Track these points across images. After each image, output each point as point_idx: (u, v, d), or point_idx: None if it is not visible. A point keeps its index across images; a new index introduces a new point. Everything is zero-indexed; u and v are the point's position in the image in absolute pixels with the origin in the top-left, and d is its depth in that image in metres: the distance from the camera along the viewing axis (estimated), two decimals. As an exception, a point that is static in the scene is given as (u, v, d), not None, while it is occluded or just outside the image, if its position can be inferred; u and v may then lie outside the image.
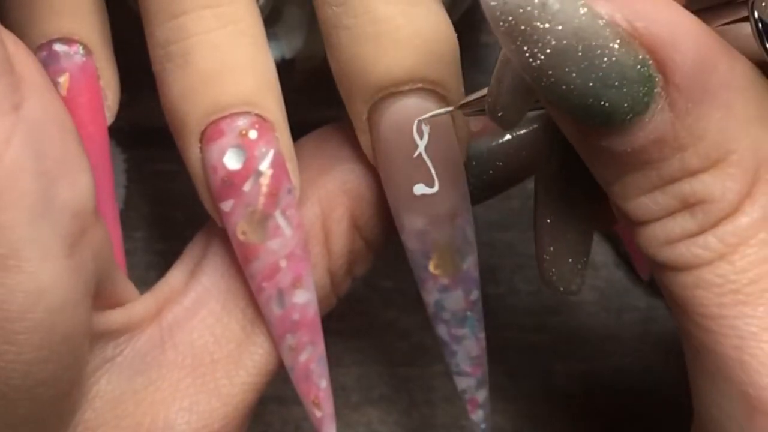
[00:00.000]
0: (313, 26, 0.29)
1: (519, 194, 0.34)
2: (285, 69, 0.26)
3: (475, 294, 0.25)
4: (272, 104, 0.23)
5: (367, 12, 0.23)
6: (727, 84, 0.19)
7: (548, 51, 0.18)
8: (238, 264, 0.24)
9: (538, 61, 0.18)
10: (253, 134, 0.23)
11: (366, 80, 0.23)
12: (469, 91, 0.24)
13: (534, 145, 0.25)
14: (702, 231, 0.20)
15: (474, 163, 0.25)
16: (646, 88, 0.19)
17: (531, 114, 0.23)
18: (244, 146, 0.23)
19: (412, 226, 0.24)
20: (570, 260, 0.25)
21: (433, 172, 0.24)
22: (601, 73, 0.18)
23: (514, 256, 0.34)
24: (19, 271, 0.20)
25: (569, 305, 0.34)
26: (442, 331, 0.26)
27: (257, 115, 0.23)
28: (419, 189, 0.24)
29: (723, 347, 0.20)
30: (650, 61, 0.19)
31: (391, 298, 0.34)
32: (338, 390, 0.33)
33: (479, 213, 0.34)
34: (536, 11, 0.18)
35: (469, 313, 0.25)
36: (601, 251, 0.35)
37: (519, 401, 0.34)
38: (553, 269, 0.25)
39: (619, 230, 0.34)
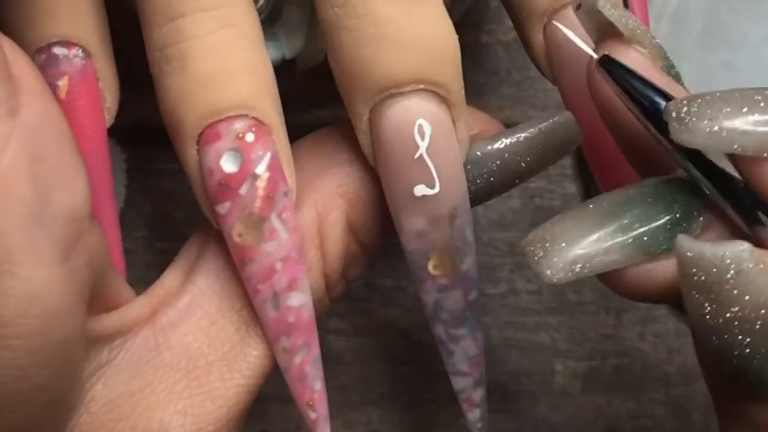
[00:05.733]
0: (313, 26, 0.29)
1: (519, 194, 0.34)
2: (285, 69, 0.26)
3: (474, 294, 0.25)
4: (269, 107, 0.23)
5: (369, 13, 0.22)
6: None
7: (728, 316, 0.18)
8: (234, 266, 0.24)
9: (715, 322, 0.18)
10: (249, 137, 0.23)
11: (367, 81, 0.23)
12: (468, 91, 0.24)
13: (530, 151, 0.25)
14: None
15: (469, 166, 0.25)
16: None
17: (530, 119, 0.23)
18: (240, 149, 0.23)
19: (412, 226, 0.24)
20: None
21: (434, 172, 0.24)
22: None
23: (514, 256, 0.34)
24: (13, 276, 0.20)
25: (569, 305, 0.34)
26: (439, 331, 0.25)
27: (254, 118, 0.23)
28: (420, 190, 0.24)
29: None
30: None
31: (392, 298, 0.34)
32: (339, 389, 0.34)
33: (479, 213, 0.34)
34: (727, 275, 0.18)
35: (467, 313, 0.25)
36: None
37: (519, 401, 0.34)
38: None
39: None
